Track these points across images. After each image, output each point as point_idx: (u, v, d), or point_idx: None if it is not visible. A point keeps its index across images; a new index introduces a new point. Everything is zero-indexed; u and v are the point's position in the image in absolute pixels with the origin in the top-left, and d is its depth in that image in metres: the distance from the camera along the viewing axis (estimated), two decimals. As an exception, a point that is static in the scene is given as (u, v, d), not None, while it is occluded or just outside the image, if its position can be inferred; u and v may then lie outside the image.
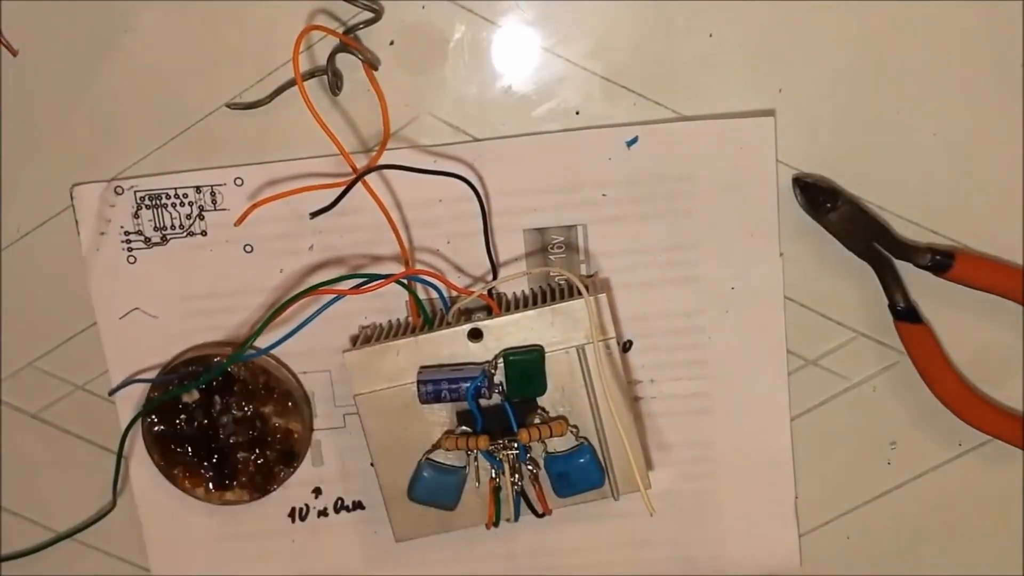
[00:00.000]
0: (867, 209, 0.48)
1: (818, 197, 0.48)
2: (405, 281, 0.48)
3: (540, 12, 0.47)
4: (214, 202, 0.49)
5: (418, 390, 0.46)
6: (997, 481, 0.51)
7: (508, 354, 0.46)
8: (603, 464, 0.47)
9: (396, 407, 0.47)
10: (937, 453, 0.51)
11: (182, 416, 0.50)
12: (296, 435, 0.51)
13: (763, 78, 0.48)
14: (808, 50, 0.47)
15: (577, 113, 0.48)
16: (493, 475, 0.47)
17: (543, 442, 0.47)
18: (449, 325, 0.47)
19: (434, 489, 0.47)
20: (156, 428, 0.50)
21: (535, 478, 0.47)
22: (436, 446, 0.47)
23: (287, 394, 0.50)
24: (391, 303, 0.50)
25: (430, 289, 0.49)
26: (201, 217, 0.49)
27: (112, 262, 0.50)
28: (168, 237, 0.50)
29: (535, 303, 0.47)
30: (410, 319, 0.49)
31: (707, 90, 0.48)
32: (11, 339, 0.51)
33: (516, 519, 0.48)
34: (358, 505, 0.53)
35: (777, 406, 0.50)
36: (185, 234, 0.50)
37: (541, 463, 0.47)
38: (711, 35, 0.47)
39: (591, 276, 0.49)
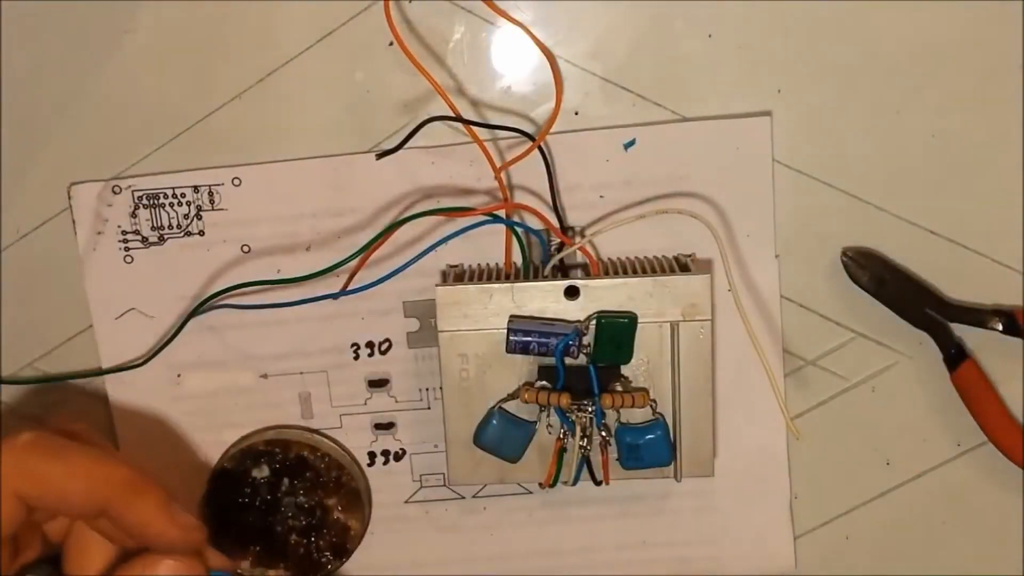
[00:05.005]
0: (915, 277, 0.49)
1: (867, 270, 0.48)
2: (504, 219, 0.48)
3: (539, 13, 0.48)
4: (212, 202, 0.49)
5: (507, 339, 0.45)
6: (997, 481, 0.51)
7: (601, 317, 0.45)
8: (673, 444, 0.47)
9: (477, 351, 0.46)
10: (936, 453, 0.51)
11: (247, 489, 0.51)
12: (352, 532, 0.51)
13: (762, 79, 0.48)
14: (807, 51, 0.47)
15: (576, 113, 0.48)
16: (561, 435, 0.47)
17: (618, 411, 0.46)
18: (546, 278, 0.47)
19: (501, 439, 0.46)
20: (218, 494, 0.51)
21: (605, 445, 0.47)
22: (512, 396, 0.47)
23: (355, 492, 0.51)
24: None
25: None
26: (199, 217, 0.49)
27: (109, 262, 0.50)
28: (165, 237, 0.50)
29: (634, 272, 0.47)
30: (500, 265, 0.49)
31: (706, 91, 0.48)
32: (11, 340, 0.51)
33: (574, 483, 0.47)
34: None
35: (774, 406, 0.50)
36: (183, 234, 0.50)
37: (612, 432, 0.47)
38: (710, 36, 0.47)
39: (689, 256, 0.48)
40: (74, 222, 0.50)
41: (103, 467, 0.39)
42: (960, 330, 0.49)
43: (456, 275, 0.48)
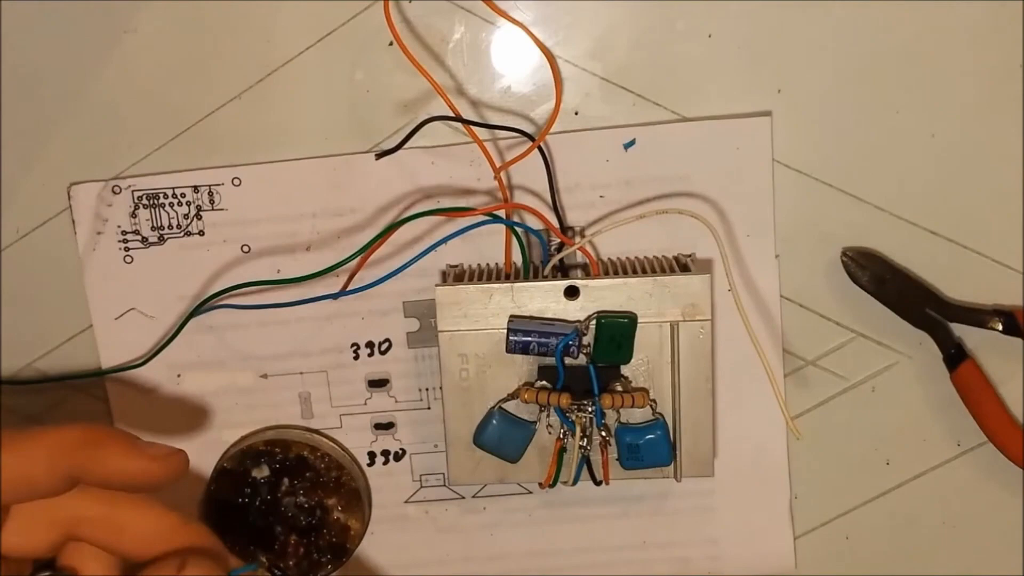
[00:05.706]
0: (915, 277, 0.49)
1: (867, 270, 0.48)
2: (503, 219, 0.48)
3: (539, 13, 0.48)
4: (211, 202, 0.49)
5: (507, 339, 0.45)
6: (996, 481, 0.51)
7: (601, 317, 0.45)
8: (673, 443, 0.47)
9: (477, 351, 0.46)
10: (936, 453, 0.51)
11: (247, 489, 0.51)
12: (352, 532, 0.51)
13: (762, 79, 0.48)
14: (807, 51, 0.47)
15: (576, 113, 0.48)
16: (561, 435, 0.47)
17: (618, 411, 0.46)
18: (546, 278, 0.47)
19: (501, 439, 0.46)
20: (219, 494, 0.51)
21: (605, 445, 0.47)
22: (512, 396, 0.47)
23: (355, 492, 0.51)
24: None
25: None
26: (199, 217, 0.49)
27: (109, 262, 0.50)
28: (165, 237, 0.50)
29: (634, 272, 0.47)
30: (500, 265, 0.49)
31: (706, 91, 0.48)
32: (11, 340, 0.51)
33: (574, 483, 0.47)
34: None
35: (774, 406, 0.50)
36: (182, 234, 0.50)
37: (612, 432, 0.47)
38: (710, 36, 0.47)
39: (689, 256, 0.48)
40: (74, 222, 0.50)
41: (55, 436, 0.37)
42: (960, 330, 0.49)
43: (456, 275, 0.48)
